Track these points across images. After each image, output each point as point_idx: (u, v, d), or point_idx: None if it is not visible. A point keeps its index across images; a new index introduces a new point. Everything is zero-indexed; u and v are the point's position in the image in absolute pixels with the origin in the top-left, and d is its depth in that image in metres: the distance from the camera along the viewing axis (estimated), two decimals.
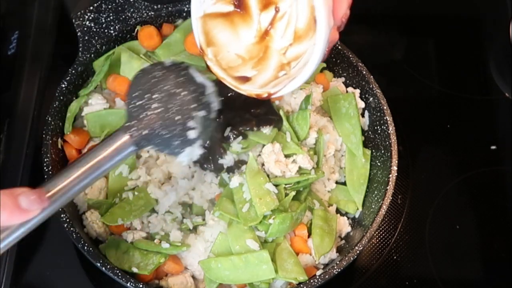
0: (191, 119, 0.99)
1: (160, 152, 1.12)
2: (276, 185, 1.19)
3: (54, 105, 1.25)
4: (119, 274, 1.10)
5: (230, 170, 1.22)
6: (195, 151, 1.03)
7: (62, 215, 1.13)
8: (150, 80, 1.01)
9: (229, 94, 1.26)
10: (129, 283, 1.10)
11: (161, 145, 1.01)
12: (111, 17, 1.36)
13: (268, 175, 1.21)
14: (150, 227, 1.21)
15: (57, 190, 0.93)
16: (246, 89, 1.10)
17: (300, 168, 1.23)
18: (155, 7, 1.38)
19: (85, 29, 1.34)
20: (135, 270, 1.13)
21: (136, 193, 1.21)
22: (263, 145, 1.23)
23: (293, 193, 1.20)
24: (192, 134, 1.00)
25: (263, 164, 1.22)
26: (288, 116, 1.27)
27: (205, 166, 1.22)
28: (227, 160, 1.22)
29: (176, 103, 0.99)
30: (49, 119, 1.23)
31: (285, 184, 1.21)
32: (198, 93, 1.01)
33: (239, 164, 1.22)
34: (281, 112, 1.26)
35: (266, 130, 1.23)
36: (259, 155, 1.23)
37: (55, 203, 0.92)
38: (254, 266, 1.13)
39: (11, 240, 0.89)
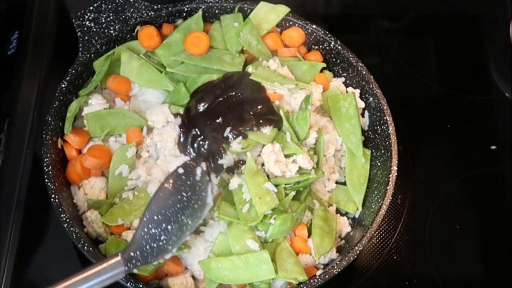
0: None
1: None
2: (276, 185, 1.19)
3: (54, 105, 1.25)
4: None
5: (230, 170, 1.22)
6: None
7: (62, 215, 1.14)
8: (174, 204, 1.12)
9: (228, 94, 1.27)
10: (129, 283, 1.10)
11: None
12: (111, 17, 1.36)
13: (268, 175, 1.21)
14: None
15: None
16: None
17: (300, 168, 1.23)
18: (155, 7, 1.38)
19: (85, 29, 1.34)
20: (135, 270, 1.13)
21: (136, 193, 1.21)
22: (263, 145, 1.23)
23: (293, 193, 1.20)
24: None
25: (263, 164, 1.22)
26: (288, 116, 1.27)
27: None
28: (227, 160, 1.22)
29: (178, 233, 1.11)
30: (49, 119, 1.23)
31: (285, 184, 1.21)
32: (199, 217, 1.15)
33: (239, 164, 1.22)
34: (281, 112, 1.26)
35: (266, 130, 1.23)
36: (259, 155, 1.23)
37: None
38: (254, 266, 1.13)
39: None
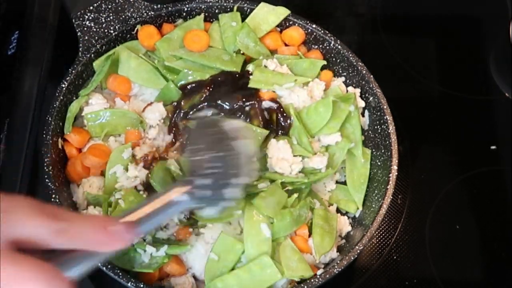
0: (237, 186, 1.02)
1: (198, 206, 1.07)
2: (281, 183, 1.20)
3: (54, 105, 1.24)
4: (120, 274, 1.10)
5: None
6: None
7: None
8: (213, 136, 1.04)
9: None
10: (130, 283, 1.09)
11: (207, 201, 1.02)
12: (111, 17, 1.36)
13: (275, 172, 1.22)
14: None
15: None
16: None
17: (304, 167, 1.23)
18: (155, 7, 1.38)
19: (85, 29, 1.34)
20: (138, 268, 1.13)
21: (122, 193, 1.19)
22: (270, 141, 1.24)
23: (296, 195, 1.21)
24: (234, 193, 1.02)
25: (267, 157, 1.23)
26: (301, 111, 1.27)
27: None
28: None
29: (233, 164, 1.01)
30: (49, 119, 1.23)
31: (288, 183, 1.21)
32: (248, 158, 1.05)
33: None
34: (291, 111, 1.26)
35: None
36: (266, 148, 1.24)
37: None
38: (258, 273, 1.13)
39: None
